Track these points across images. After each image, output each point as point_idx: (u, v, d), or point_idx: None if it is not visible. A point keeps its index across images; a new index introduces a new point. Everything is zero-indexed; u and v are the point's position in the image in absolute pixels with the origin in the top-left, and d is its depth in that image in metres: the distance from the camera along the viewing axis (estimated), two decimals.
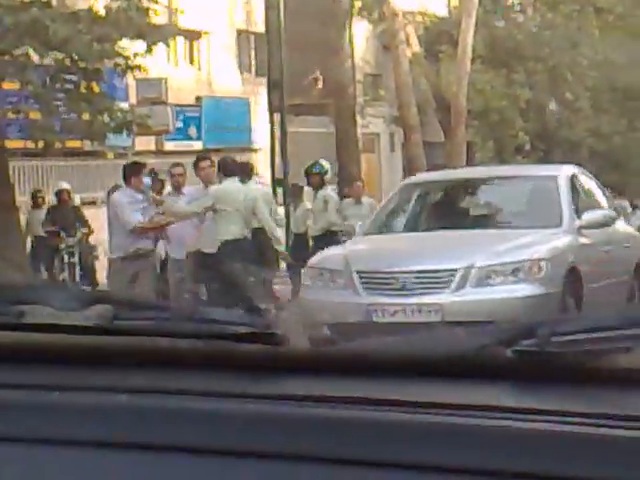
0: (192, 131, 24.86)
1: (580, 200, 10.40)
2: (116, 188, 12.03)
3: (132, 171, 10.64)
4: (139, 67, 14.87)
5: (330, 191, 13.94)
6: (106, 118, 14.97)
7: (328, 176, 13.76)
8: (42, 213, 16.84)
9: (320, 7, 23.27)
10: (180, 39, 22.47)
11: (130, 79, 18.67)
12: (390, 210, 10.91)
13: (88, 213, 16.68)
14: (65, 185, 16.88)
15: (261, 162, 23.15)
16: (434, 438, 1.16)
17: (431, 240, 9.92)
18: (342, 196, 15.82)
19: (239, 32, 27.33)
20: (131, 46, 14.73)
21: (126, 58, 14.56)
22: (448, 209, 10.86)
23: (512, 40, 28.33)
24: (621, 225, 11.26)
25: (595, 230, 10.02)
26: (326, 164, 13.81)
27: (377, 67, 30.15)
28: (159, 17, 15.39)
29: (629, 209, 15.41)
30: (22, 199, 17.43)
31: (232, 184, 10.99)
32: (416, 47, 26.70)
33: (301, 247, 14.21)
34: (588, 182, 11.10)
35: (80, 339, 1.38)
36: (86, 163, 21.03)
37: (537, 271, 9.06)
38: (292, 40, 19.47)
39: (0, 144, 14.57)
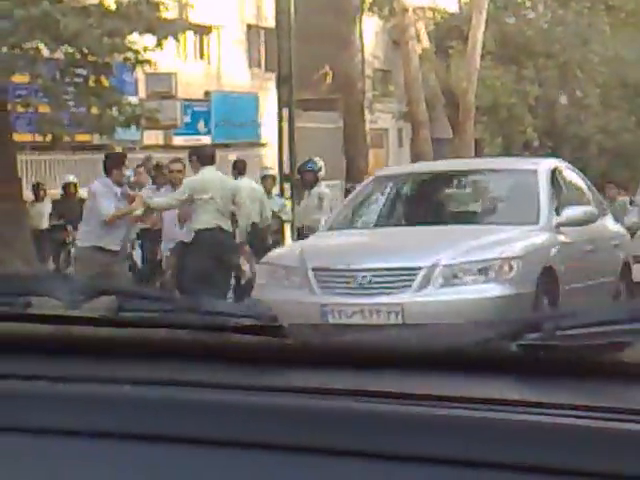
0: (201, 126, 24.87)
1: (562, 196, 9.87)
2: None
3: (113, 162, 10.55)
4: (149, 61, 14.87)
5: (324, 188, 13.93)
6: (115, 112, 14.98)
7: (321, 173, 13.75)
8: (43, 206, 16.88)
9: (330, 2, 23.26)
10: (190, 34, 22.48)
11: (140, 73, 18.67)
12: (357, 204, 10.35)
13: None
14: (72, 178, 16.90)
15: (269, 157, 23.16)
16: (437, 431, 1.16)
17: (396, 236, 9.39)
18: (348, 191, 15.81)
19: (249, 27, 27.33)
20: (141, 40, 14.73)
21: (136, 52, 14.57)
22: (419, 204, 10.32)
23: (522, 36, 28.28)
24: (609, 222, 10.75)
25: (577, 227, 9.47)
26: (319, 161, 13.80)
27: (386, 62, 30.12)
28: (169, 11, 15.39)
29: (628, 206, 15.11)
30: (30, 192, 17.47)
31: (209, 173, 10.92)
32: (426, 43, 26.68)
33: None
34: (572, 177, 10.55)
35: (85, 330, 1.38)
36: (94, 157, 21.05)
37: (508, 270, 8.51)
38: (302, 35, 19.46)
39: (9, 137, 14.59)
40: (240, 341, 1.34)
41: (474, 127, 24.76)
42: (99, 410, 1.25)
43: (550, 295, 8.77)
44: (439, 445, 1.14)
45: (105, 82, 14.89)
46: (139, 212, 10.71)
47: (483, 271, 8.48)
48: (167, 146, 22.73)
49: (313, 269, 8.61)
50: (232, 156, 16.93)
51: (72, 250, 15.20)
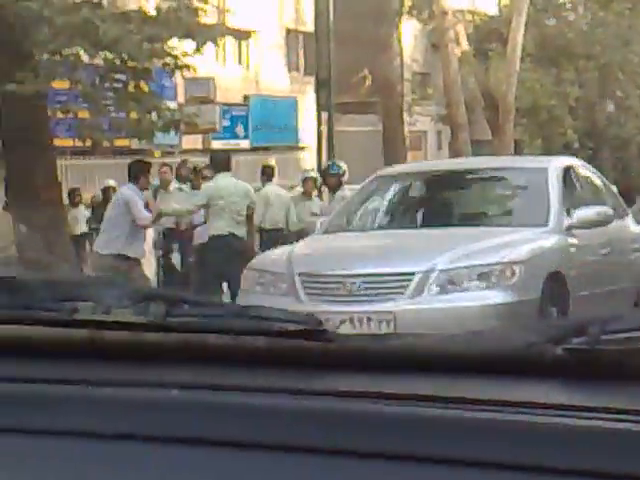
0: (239, 130, 24.95)
1: (575, 196, 9.29)
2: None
3: (139, 169, 10.69)
4: (188, 66, 14.92)
5: (347, 191, 14.00)
6: (154, 117, 15.04)
7: (345, 177, 13.79)
8: (78, 212, 16.99)
9: (369, 6, 23.26)
10: (229, 38, 22.54)
11: (179, 78, 18.75)
12: (356, 206, 9.79)
13: None
14: (111, 182, 17.00)
15: (307, 160, 23.19)
16: (484, 435, 1.16)
17: (393, 239, 8.84)
18: None
19: (288, 31, 27.38)
20: (180, 46, 14.79)
21: (175, 58, 14.63)
22: (421, 205, 9.76)
23: (563, 38, 28.16)
24: (630, 224, 10.06)
25: (591, 229, 8.88)
26: (343, 165, 13.85)
27: (425, 65, 30.08)
28: (208, 17, 15.44)
29: None
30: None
31: (223, 179, 11.03)
32: (465, 45, 26.62)
33: None
34: (587, 176, 9.92)
35: (132, 335, 1.39)
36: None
37: (510, 276, 7.94)
38: (341, 39, 19.47)
39: (49, 143, 14.70)
40: (285, 345, 1.34)
41: (513, 129, 24.66)
42: (146, 414, 1.25)
43: (558, 302, 8.21)
44: (487, 449, 1.14)
45: (144, 87, 14.96)
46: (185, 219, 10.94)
47: (483, 276, 7.91)
48: (206, 150, 22.81)
49: (300, 275, 8.10)
50: (271, 160, 16.96)
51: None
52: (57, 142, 15.99)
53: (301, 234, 13.03)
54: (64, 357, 1.37)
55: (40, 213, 13.81)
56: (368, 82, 27.64)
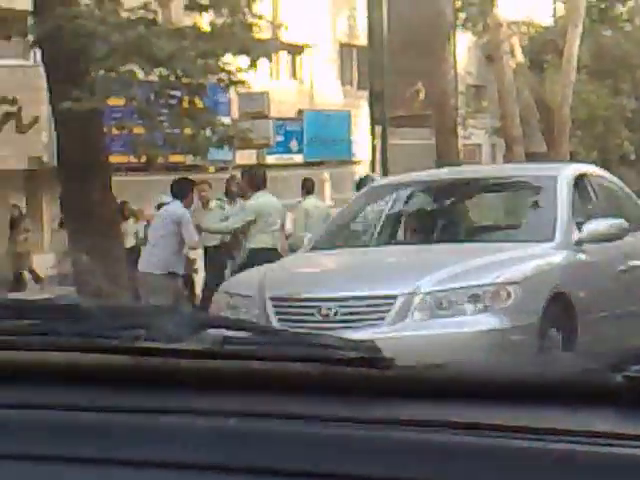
0: (293, 144, 25.00)
1: (589, 207, 8.50)
2: (161, 205, 12.34)
3: (186, 188, 10.94)
4: (242, 82, 14.98)
5: None
6: (208, 132, 15.11)
7: None
8: (127, 225, 17.13)
9: (423, 19, 23.21)
10: (283, 53, 22.61)
11: (233, 93, 18.82)
12: (347, 219, 9.12)
13: None
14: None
15: (361, 174, 23.15)
16: (542, 465, 1.14)
17: (379, 257, 8.13)
18: None
19: (341, 45, 27.44)
20: (235, 61, 14.85)
21: (229, 73, 14.68)
22: (415, 219, 9.04)
23: (619, 49, 27.93)
24: None
25: (604, 244, 8.02)
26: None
27: (480, 78, 29.97)
28: (263, 32, 15.49)
29: None
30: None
31: (264, 197, 11.45)
32: (520, 57, 26.48)
33: None
34: (606, 185, 9.02)
35: (191, 363, 1.40)
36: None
37: (504, 298, 7.15)
38: (394, 52, 19.44)
39: (104, 159, 14.81)
40: (343, 373, 1.35)
41: (569, 141, 24.47)
42: (205, 442, 1.25)
43: (563, 326, 7.38)
44: (541, 477, 1.13)
45: (199, 103, 15.03)
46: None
47: (474, 299, 7.11)
48: (260, 165, 22.88)
49: (271, 298, 7.42)
50: (325, 174, 16.98)
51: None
52: (112, 158, 16.11)
53: None
54: (122, 384, 1.39)
55: (95, 230, 13.90)
56: (422, 95, 27.58)
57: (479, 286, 7.21)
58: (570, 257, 7.93)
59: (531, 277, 7.51)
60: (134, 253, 16.38)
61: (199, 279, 14.67)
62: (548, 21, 30.13)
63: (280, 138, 23.89)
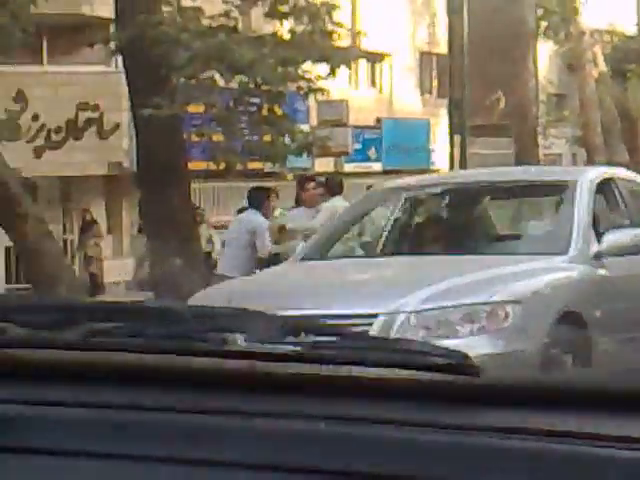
0: (371, 152, 24.96)
1: (615, 216, 7.66)
2: (243, 210, 12.35)
3: (263, 197, 10.97)
4: (321, 90, 14.98)
5: None
6: (287, 140, 15.14)
7: None
8: (202, 230, 17.24)
9: (504, 27, 23.06)
10: (362, 61, 22.60)
11: (312, 101, 18.84)
12: (343, 227, 8.35)
13: None
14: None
15: None
16: (630, 471, 1.15)
17: (368, 270, 7.35)
18: None
19: (421, 53, 27.36)
20: (314, 69, 14.86)
21: (309, 81, 14.70)
22: (416, 227, 8.32)
23: None
24: None
25: (630, 258, 7.13)
26: None
27: (561, 87, 29.68)
28: (343, 40, 15.47)
29: None
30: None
31: (339, 201, 11.24)
32: (602, 66, 26.17)
33: None
34: (637, 190, 8.07)
35: (278, 367, 1.41)
36: (265, 184, 21.36)
37: (502, 319, 6.31)
38: (475, 60, 19.32)
39: (184, 165, 14.90)
40: (431, 379, 1.35)
41: None
42: (295, 446, 1.26)
43: (573, 350, 6.55)
44: None
45: (278, 111, 15.07)
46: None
47: (466, 320, 6.31)
48: (338, 173, 22.87)
49: None
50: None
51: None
52: (191, 165, 16.21)
53: None
54: (210, 387, 1.39)
55: (174, 235, 13.99)
56: (502, 104, 27.38)
57: (473, 305, 6.31)
58: (586, 272, 7.03)
59: (535, 295, 6.61)
60: (208, 258, 16.49)
61: None
62: (632, 30, 29.74)
63: (358, 146, 23.88)
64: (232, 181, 20.69)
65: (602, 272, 7.10)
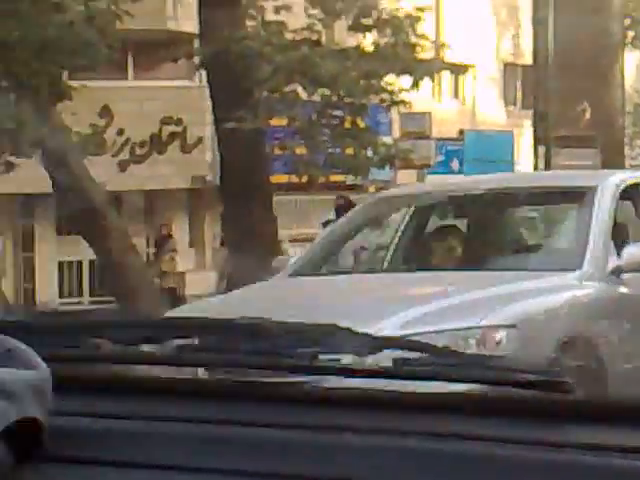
0: (454, 164, 24.83)
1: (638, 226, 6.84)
2: (328, 222, 12.30)
3: (349, 208, 11.00)
4: (404, 102, 14.96)
5: None
6: (370, 152, 15.12)
7: None
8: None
9: (590, 38, 22.81)
10: (445, 73, 22.53)
11: (394, 113, 18.81)
12: (339, 239, 7.62)
13: None
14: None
15: None
16: None
17: (353, 289, 6.60)
18: None
19: (505, 65, 27.20)
20: (397, 81, 14.83)
21: (391, 93, 14.68)
22: (415, 240, 7.58)
23: None
24: None
25: None
26: None
27: None
28: (426, 52, 15.43)
29: None
30: (283, 232, 17.82)
31: None
32: None
33: None
34: None
35: (367, 383, 1.41)
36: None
37: (493, 346, 5.53)
38: (559, 71, 19.12)
39: (266, 179, 14.96)
40: (527, 396, 1.35)
41: None
42: (390, 462, 1.25)
43: (583, 380, 5.51)
44: None
45: (361, 123, 15.07)
46: None
47: (451, 346, 4.60)
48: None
49: None
50: None
51: None
52: (273, 178, 16.28)
53: None
54: (307, 403, 1.40)
55: (257, 248, 14.03)
56: (587, 115, 27.08)
57: (459, 330, 5.52)
58: (602, 290, 6.18)
59: (535, 318, 5.78)
60: None
61: None
62: None
63: (441, 158, 23.78)
64: (314, 194, 20.72)
65: (621, 290, 6.25)
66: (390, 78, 14.65)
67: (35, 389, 1.16)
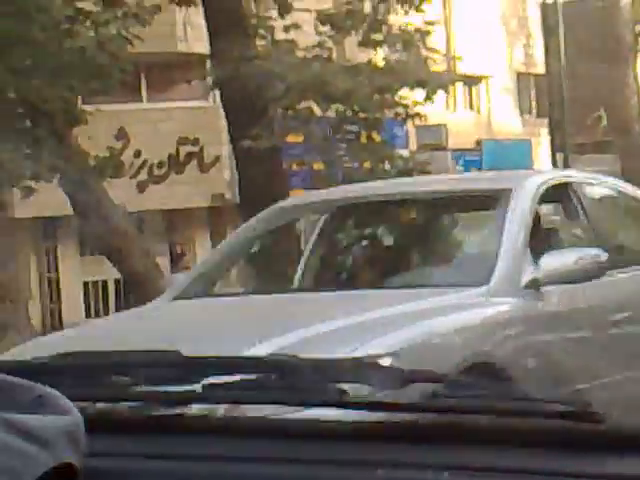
0: None
1: (572, 232, 6.22)
2: None
3: None
4: (419, 115, 14.97)
5: None
6: (387, 166, 15.13)
7: None
8: None
9: (602, 44, 22.79)
10: (459, 85, 22.57)
11: (410, 126, 18.82)
12: (232, 255, 6.85)
13: None
14: None
15: None
16: None
17: (227, 316, 5.75)
18: None
19: (519, 74, 27.22)
20: (411, 95, 14.84)
21: (406, 107, 14.69)
22: (314, 255, 6.81)
23: None
24: None
25: (575, 287, 5.48)
26: None
27: None
28: (438, 65, 15.45)
29: None
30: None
31: None
32: None
33: None
34: (606, 199, 6.51)
35: (398, 416, 1.41)
36: None
37: None
38: (574, 79, 19.11)
39: (285, 195, 14.98)
40: (558, 427, 1.33)
41: None
42: None
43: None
44: None
45: (377, 137, 15.09)
46: None
47: None
48: None
49: None
50: None
51: None
52: (292, 194, 16.30)
53: None
54: (337, 439, 1.39)
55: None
56: (603, 122, 27.05)
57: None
58: (513, 308, 5.35)
59: (423, 344, 4.90)
60: None
61: None
62: None
63: (459, 168, 23.80)
64: None
65: (539, 306, 5.41)
66: (404, 92, 14.67)
67: (69, 435, 1.16)
